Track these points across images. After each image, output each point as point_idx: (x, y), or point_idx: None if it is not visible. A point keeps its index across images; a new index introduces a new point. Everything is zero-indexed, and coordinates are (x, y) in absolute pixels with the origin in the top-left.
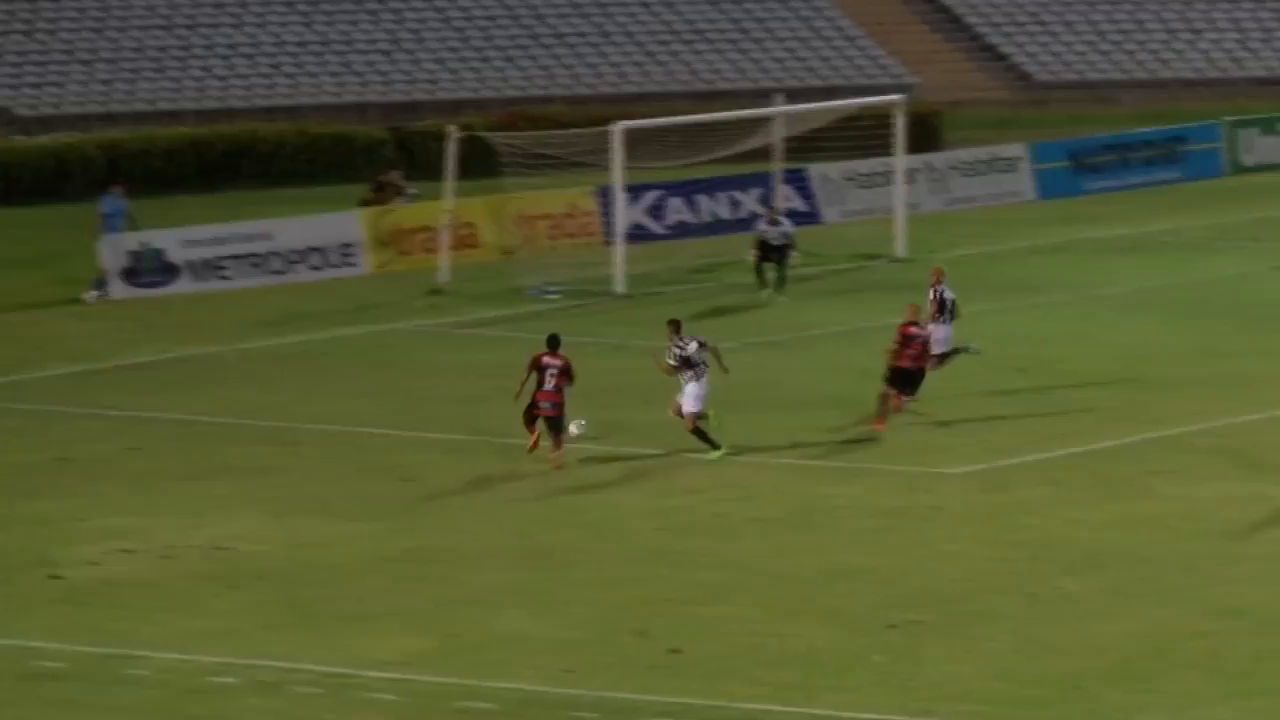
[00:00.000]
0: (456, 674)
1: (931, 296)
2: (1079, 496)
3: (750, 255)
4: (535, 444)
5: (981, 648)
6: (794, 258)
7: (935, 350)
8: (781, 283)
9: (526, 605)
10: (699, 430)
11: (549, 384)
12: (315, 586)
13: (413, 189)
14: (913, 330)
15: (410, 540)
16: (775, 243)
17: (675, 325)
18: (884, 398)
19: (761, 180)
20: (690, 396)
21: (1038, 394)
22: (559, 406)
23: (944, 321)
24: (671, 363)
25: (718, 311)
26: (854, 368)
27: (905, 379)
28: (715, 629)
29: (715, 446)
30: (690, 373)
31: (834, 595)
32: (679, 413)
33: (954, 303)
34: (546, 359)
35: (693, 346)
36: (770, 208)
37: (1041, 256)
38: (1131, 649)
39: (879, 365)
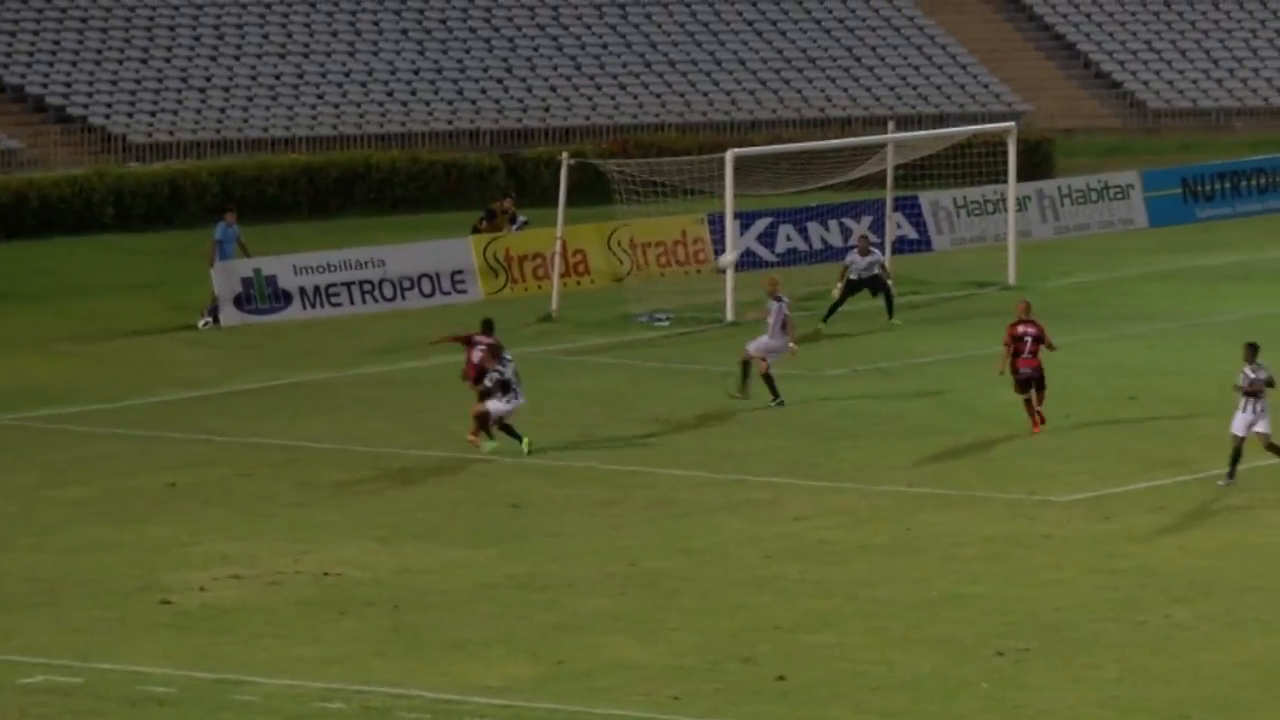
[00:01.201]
0: (563, 700)
1: (774, 309)
2: (1187, 525)
3: (836, 289)
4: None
5: (1087, 676)
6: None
7: (753, 350)
8: (890, 307)
9: (633, 632)
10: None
11: (475, 358)
12: (423, 612)
13: (524, 216)
14: (1019, 330)
15: (517, 566)
16: (861, 275)
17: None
18: (1027, 404)
19: (873, 207)
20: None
21: (1147, 422)
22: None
23: (779, 336)
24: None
25: (827, 338)
26: (962, 395)
27: (1028, 382)
28: (821, 656)
29: (519, 438)
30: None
31: (940, 622)
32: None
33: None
34: (478, 338)
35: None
36: (863, 235)
37: (1153, 284)
38: (1238, 678)
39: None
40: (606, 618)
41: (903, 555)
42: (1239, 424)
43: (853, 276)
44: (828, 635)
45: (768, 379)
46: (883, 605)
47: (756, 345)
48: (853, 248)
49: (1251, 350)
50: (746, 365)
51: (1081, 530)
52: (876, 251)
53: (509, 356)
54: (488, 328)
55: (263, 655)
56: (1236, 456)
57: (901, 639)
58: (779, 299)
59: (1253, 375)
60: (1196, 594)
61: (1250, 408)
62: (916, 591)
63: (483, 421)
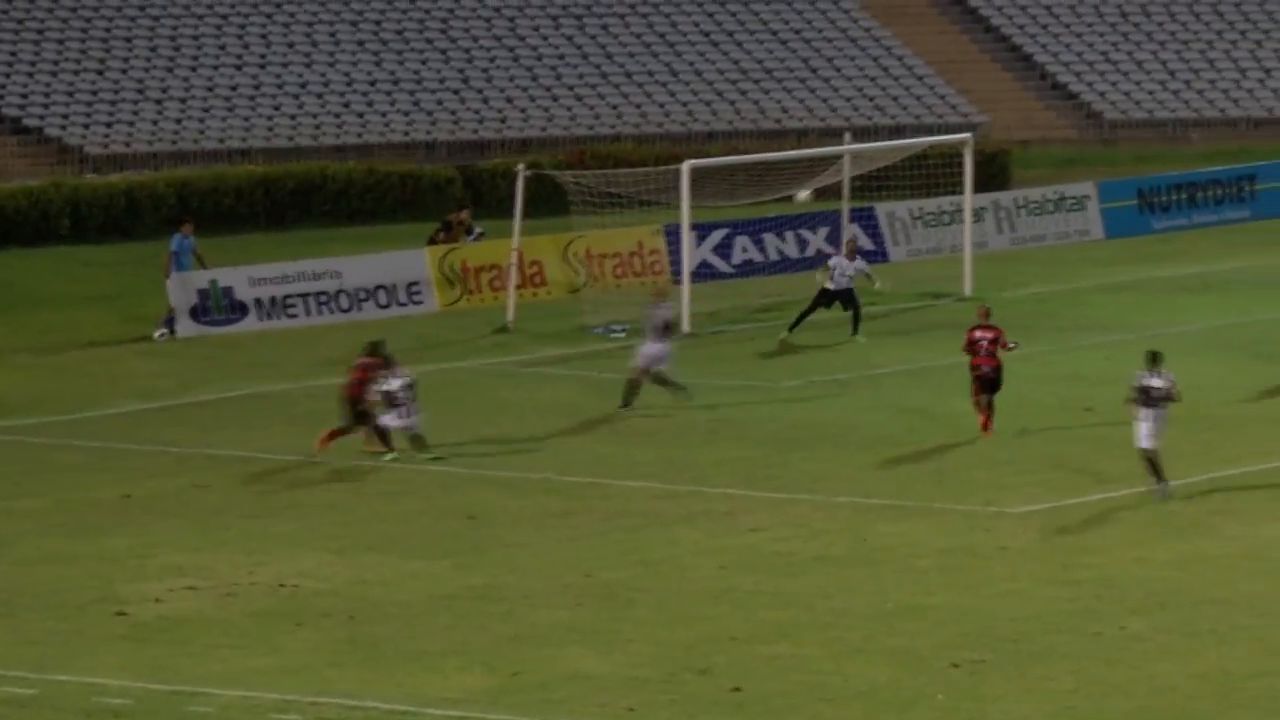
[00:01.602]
0: (519, 712)
1: (657, 315)
2: (1143, 536)
3: (820, 276)
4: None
5: (1043, 687)
6: (885, 285)
7: (641, 363)
8: (856, 324)
9: (589, 643)
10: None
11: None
12: (379, 623)
13: (480, 228)
14: (977, 334)
15: (474, 578)
16: (839, 284)
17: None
18: (978, 404)
19: (829, 219)
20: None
21: (1103, 433)
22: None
23: (660, 340)
24: None
25: (783, 350)
26: (919, 406)
27: (985, 381)
28: (777, 667)
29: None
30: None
31: (896, 634)
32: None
33: (670, 320)
34: (361, 360)
35: None
36: (851, 239)
37: (1109, 295)
38: (1194, 690)
39: (949, 397)
40: (562, 629)
41: (859, 566)
42: (1142, 436)
43: (830, 285)
44: (783, 646)
45: (633, 386)
46: (838, 616)
47: (645, 357)
48: (827, 256)
49: (1152, 359)
50: (657, 378)
51: (1037, 542)
52: (860, 260)
53: (405, 375)
54: (374, 349)
55: (219, 666)
56: (1154, 467)
57: (857, 650)
58: (663, 305)
59: (1144, 382)
60: (1153, 605)
61: (1149, 417)
62: (872, 603)
63: (382, 435)
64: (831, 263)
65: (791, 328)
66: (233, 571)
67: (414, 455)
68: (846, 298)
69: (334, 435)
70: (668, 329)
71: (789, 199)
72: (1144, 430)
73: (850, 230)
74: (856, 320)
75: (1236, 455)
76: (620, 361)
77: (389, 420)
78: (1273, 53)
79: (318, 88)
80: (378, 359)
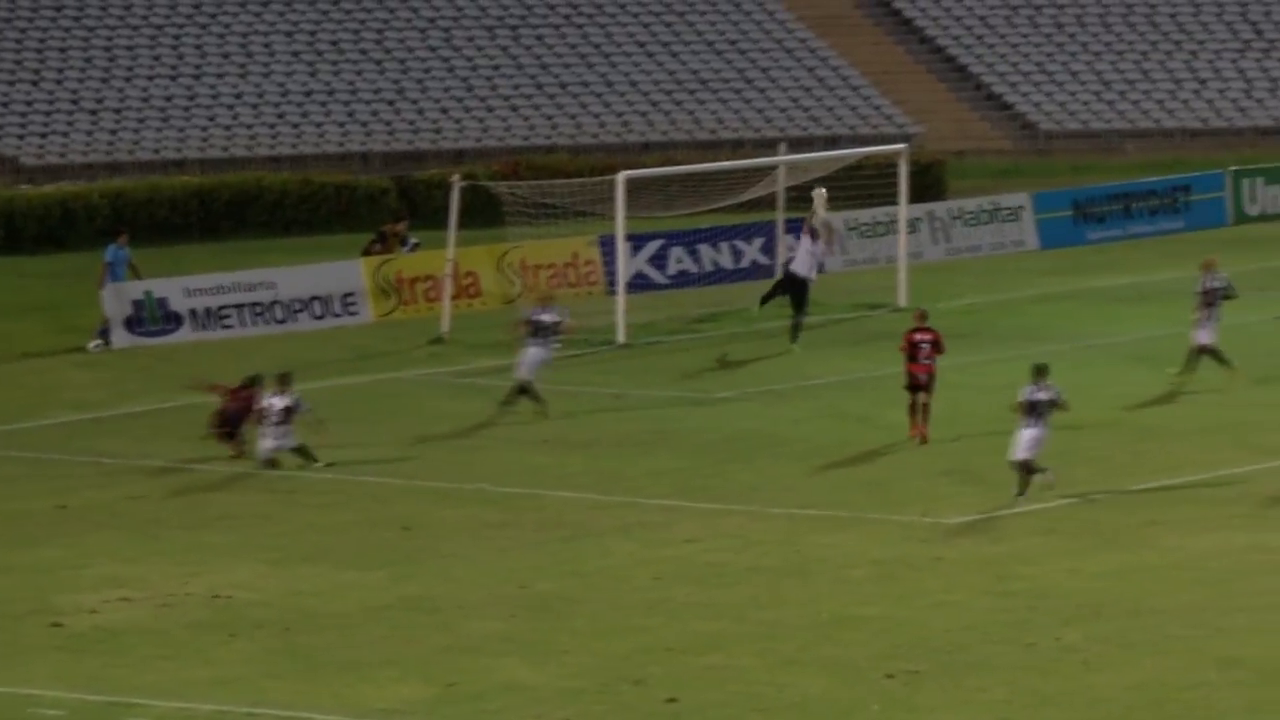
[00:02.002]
0: None
1: (528, 317)
2: (1077, 546)
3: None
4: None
5: (978, 698)
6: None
7: (522, 373)
8: (796, 332)
9: (524, 654)
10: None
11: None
12: (314, 634)
13: (415, 239)
14: (916, 337)
15: (409, 588)
16: (803, 274)
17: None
18: (911, 408)
19: (763, 230)
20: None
21: None
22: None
23: (540, 344)
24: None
25: (719, 361)
26: (854, 417)
27: (918, 386)
28: (712, 678)
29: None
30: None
31: (831, 645)
32: None
33: (556, 325)
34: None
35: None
36: (826, 223)
37: (1044, 306)
38: (1129, 700)
39: (884, 408)
40: (498, 639)
41: (793, 577)
42: (1021, 446)
43: (799, 271)
44: (718, 657)
45: (523, 390)
46: (773, 627)
47: (527, 363)
48: (799, 239)
49: (1037, 371)
50: (524, 388)
51: (972, 552)
52: (819, 245)
53: (290, 397)
54: (251, 383)
55: (154, 677)
56: (1024, 477)
57: (792, 661)
58: (547, 309)
59: (1032, 395)
60: (1087, 616)
61: (1032, 428)
62: (807, 614)
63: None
64: (800, 239)
65: (792, 338)
66: (168, 582)
67: (309, 466)
68: (800, 289)
69: (226, 437)
70: (551, 333)
71: (730, 208)
72: (1024, 440)
73: (819, 195)
74: (796, 329)
75: (1170, 466)
76: (555, 372)
77: (266, 443)
78: (1207, 64)
79: (253, 98)
80: (254, 389)
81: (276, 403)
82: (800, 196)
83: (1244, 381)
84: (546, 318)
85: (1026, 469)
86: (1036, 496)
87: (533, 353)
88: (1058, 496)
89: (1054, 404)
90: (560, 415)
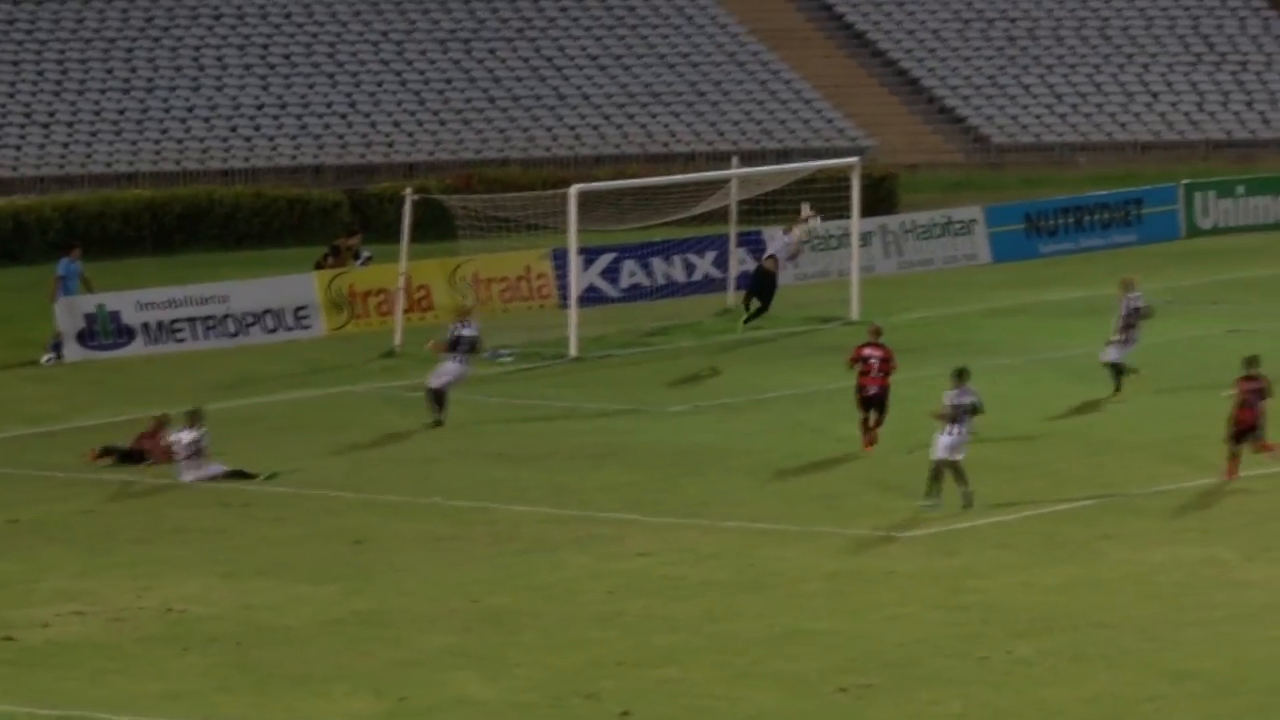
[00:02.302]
0: None
1: (452, 333)
2: (1030, 560)
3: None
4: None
5: (930, 712)
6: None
7: (436, 383)
8: (753, 314)
9: (477, 668)
10: None
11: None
12: (267, 648)
13: (367, 252)
14: (865, 352)
15: (361, 602)
16: (781, 258)
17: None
18: (864, 423)
19: (716, 243)
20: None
21: (989, 457)
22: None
23: (458, 360)
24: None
25: (671, 375)
26: (806, 430)
27: (870, 401)
28: (665, 691)
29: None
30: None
31: (784, 658)
32: None
33: (475, 340)
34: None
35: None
36: (808, 218)
37: (996, 320)
38: (1081, 714)
39: (837, 421)
40: (450, 654)
41: (746, 591)
42: (940, 447)
43: (781, 254)
44: (671, 670)
45: (433, 396)
46: (726, 640)
47: (442, 376)
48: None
49: (958, 375)
50: (437, 394)
51: (924, 566)
52: (789, 236)
53: (195, 431)
54: (159, 424)
55: (106, 692)
56: (936, 477)
57: (745, 674)
58: (468, 324)
59: (957, 400)
60: (1039, 629)
61: (953, 432)
62: (760, 627)
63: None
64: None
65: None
66: (120, 597)
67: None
68: (768, 286)
69: (106, 454)
70: (470, 349)
71: (683, 221)
72: (944, 442)
73: (804, 219)
74: (754, 315)
75: (1122, 479)
76: (507, 386)
77: (185, 477)
78: (1159, 76)
79: (204, 112)
80: (160, 430)
81: (185, 437)
82: (751, 210)
83: (1129, 395)
84: (466, 332)
85: (939, 473)
86: (994, 510)
87: (449, 367)
88: (1011, 511)
89: (974, 408)
90: (514, 429)
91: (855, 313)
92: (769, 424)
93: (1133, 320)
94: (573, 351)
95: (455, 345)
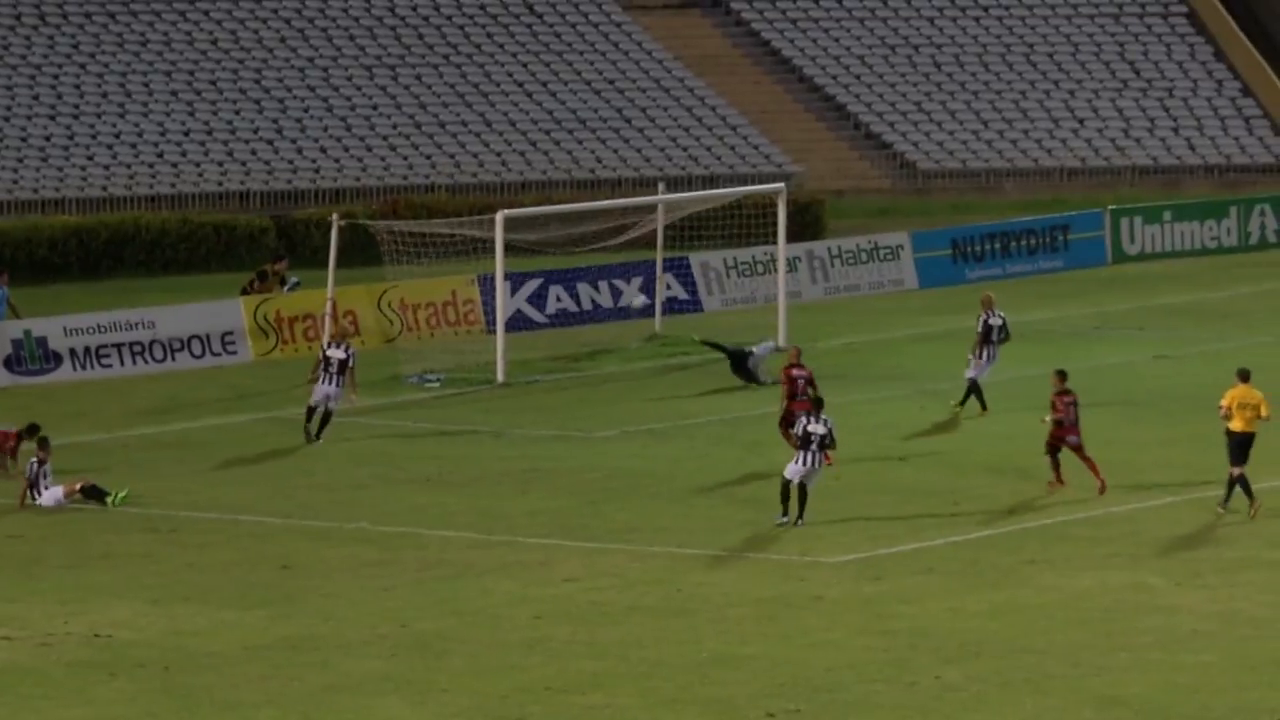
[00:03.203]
0: None
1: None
2: (957, 585)
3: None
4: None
5: None
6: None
7: (313, 401)
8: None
9: (404, 693)
10: None
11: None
12: (194, 674)
13: (295, 278)
14: (794, 372)
15: (288, 628)
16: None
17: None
18: (788, 437)
19: (642, 269)
20: None
21: (916, 483)
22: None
23: (331, 381)
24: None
25: (597, 400)
26: (733, 455)
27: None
28: (592, 717)
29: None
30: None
31: (711, 683)
32: None
33: (344, 363)
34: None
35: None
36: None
37: (923, 345)
38: None
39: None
40: (377, 679)
41: (673, 616)
42: (791, 470)
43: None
44: (598, 696)
45: (325, 416)
46: (654, 666)
47: (319, 396)
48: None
49: (818, 405)
50: (314, 411)
51: (852, 591)
52: None
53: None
54: (27, 432)
55: (33, 717)
56: (786, 497)
57: (672, 700)
58: (341, 345)
59: (809, 428)
60: (967, 655)
61: (804, 459)
62: (687, 653)
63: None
64: None
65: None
66: (47, 621)
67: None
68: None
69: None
70: (342, 371)
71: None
72: (796, 468)
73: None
74: (717, 347)
75: (1049, 505)
76: (434, 411)
77: (46, 499)
78: (1085, 102)
79: (131, 137)
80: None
81: (36, 458)
82: (677, 236)
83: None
84: (337, 355)
85: (788, 493)
86: (921, 535)
87: (320, 389)
88: (937, 535)
89: (827, 436)
90: (440, 454)
91: (782, 338)
92: (696, 449)
93: (990, 336)
94: (500, 377)
95: (327, 366)
